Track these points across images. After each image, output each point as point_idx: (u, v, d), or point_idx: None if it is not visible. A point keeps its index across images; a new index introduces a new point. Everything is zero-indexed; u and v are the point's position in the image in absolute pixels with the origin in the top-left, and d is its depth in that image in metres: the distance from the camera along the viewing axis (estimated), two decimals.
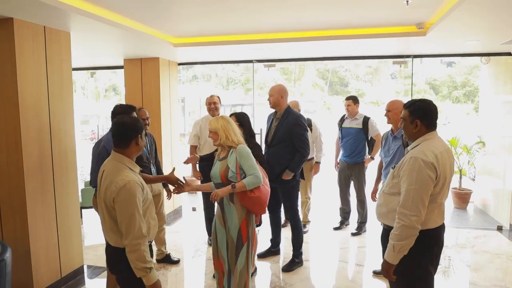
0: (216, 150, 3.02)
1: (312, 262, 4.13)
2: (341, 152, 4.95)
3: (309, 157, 4.73)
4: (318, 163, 4.85)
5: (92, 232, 5.20)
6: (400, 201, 2.04)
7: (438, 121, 2.20)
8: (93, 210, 4.11)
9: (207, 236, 4.67)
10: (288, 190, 3.78)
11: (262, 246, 4.20)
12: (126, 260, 1.95)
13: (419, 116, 2.14)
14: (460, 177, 6.13)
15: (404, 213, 2.00)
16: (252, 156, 2.78)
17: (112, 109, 3.26)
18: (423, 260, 2.11)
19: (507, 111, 5.24)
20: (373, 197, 3.81)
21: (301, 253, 3.95)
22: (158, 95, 5.48)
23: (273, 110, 3.87)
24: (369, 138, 4.75)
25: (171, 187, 3.25)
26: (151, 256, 2.06)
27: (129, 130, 2.05)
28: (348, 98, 4.84)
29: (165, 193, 3.86)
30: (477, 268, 3.96)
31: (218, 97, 4.44)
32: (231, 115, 3.35)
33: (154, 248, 3.99)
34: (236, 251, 2.78)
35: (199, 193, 6.10)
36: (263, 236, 4.51)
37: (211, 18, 3.80)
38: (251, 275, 3.14)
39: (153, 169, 3.67)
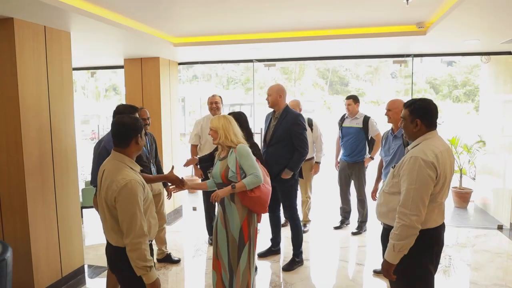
0: (216, 150, 3.02)
1: (313, 262, 4.14)
2: (341, 152, 4.95)
3: (309, 156, 4.75)
4: (318, 163, 4.85)
5: (92, 232, 5.21)
6: (400, 201, 2.04)
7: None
8: (93, 209, 4.12)
9: (207, 236, 4.67)
10: (287, 189, 3.78)
11: (262, 245, 4.20)
12: (127, 260, 1.96)
13: (419, 116, 2.13)
14: (461, 176, 6.13)
15: (404, 212, 2.00)
16: (252, 156, 2.77)
17: (114, 109, 3.27)
18: (423, 259, 2.11)
19: (507, 110, 5.24)
20: (373, 196, 3.81)
21: (301, 252, 3.95)
22: (158, 95, 5.49)
23: (271, 110, 3.87)
24: (369, 137, 4.76)
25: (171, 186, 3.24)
26: (151, 255, 2.07)
27: (129, 129, 2.06)
28: (348, 98, 4.84)
29: (165, 192, 3.86)
30: (478, 267, 3.96)
31: (220, 97, 4.47)
32: (228, 115, 3.35)
33: (155, 248, 4.00)
34: (238, 251, 2.78)
35: (200, 193, 6.11)
36: (263, 235, 4.52)
37: (211, 18, 3.80)
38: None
39: (153, 169, 3.67)
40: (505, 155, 5.25)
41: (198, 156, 4.52)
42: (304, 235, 4.06)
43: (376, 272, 3.76)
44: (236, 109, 17.48)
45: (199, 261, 4.21)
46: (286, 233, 4.53)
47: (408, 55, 5.59)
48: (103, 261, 3.79)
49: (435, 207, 2.10)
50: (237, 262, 2.79)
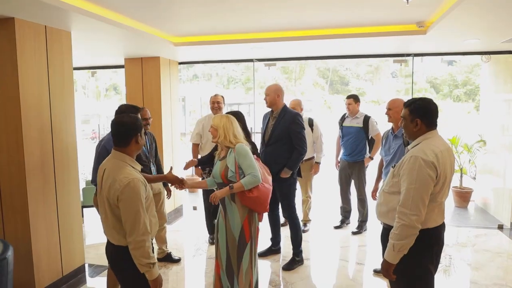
0: (216, 149, 3.02)
1: (313, 261, 4.14)
2: (341, 151, 4.96)
3: (309, 156, 4.75)
4: (318, 163, 4.85)
5: (93, 231, 5.22)
6: (400, 200, 2.04)
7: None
8: (94, 209, 4.12)
9: (208, 235, 4.68)
10: (285, 189, 3.79)
11: (262, 245, 4.20)
12: (129, 259, 1.97)
13: (420, 115, 2.13)
14: (461, 176, 6.13)
15: (404, 212, 2.00)
16: (251, 155, 2.77)
17: (116, 109, 3.27)
18: (423, 259, 2.11)
19: (508, 110, 5.24)
20: (374, 196, 3.81)
21: (301, 251, 3.95)
22: (159, 94, 5.49)
23: (269, 109, 3.87)
24: (370, 137, 4.76)
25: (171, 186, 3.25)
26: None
27: (129, 129, 2.06)
28: (349, 97, 4.84)
29: (165, 192, 3.87)
30: (478, 266, 3.96)
31: (222, 96, 4.52)
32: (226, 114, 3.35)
33: (155, 247, 4.00)
34: (238, 251, 2.78)
35: (200, 192, 6.12)
36: (263, 235, 4.51)
37: (211, 18, 3.80)
38: None
39: (153, 168, 3.68)
40: (506, 155, 5.25)
41: (199, 155, 4.55)
42: (305, 234, 4.07)
43: (376, 272, 3.77)
44: (235, 108, 17.46)
45: (199, 260, 4.22)
46: (286, 232, 4.53)
47: (408, 55, 5.59)
48: (103, 260, 3.79)
49: (435, 207, 2.10)
50: (238, 261, 2.79)
